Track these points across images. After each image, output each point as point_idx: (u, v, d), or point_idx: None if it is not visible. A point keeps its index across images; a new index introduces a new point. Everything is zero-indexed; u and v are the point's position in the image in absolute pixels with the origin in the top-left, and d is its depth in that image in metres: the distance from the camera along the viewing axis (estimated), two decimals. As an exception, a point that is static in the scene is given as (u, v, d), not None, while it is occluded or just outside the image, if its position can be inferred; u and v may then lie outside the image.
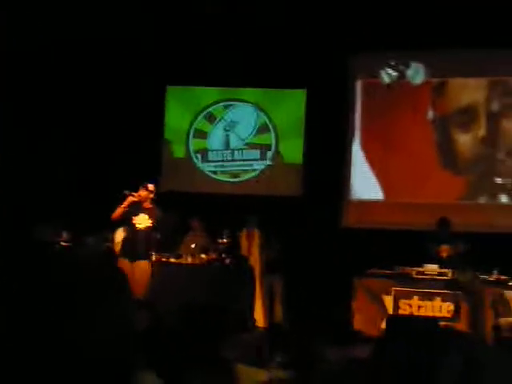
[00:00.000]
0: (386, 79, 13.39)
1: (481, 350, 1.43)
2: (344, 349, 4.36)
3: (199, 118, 14.30)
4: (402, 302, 10.58)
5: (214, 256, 11.27)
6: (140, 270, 9.71)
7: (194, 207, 12.47)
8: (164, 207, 10.13)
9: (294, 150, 13.89)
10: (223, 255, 11.27)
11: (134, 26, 12.88)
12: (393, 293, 10.45)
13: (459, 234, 11.05)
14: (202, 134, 14.30)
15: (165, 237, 10.59)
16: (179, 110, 14.32)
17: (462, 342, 1.43)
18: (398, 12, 12.40)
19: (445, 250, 11.04)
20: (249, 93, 14.22)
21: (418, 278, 10.72)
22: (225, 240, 11.34)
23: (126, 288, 1.26)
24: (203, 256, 11.26)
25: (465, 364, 1.39)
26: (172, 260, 11.18)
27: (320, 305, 10.81)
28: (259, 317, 11.09)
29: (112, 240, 11.13)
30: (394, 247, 11.83)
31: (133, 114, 13.39)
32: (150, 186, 10.01)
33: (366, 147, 13.52)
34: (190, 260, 11.17)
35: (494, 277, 10.75)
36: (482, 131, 12.92)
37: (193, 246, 11.57)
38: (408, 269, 10.89)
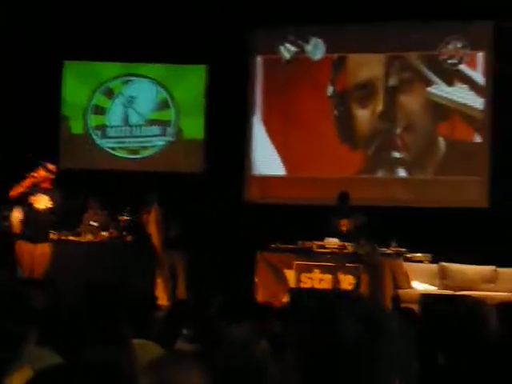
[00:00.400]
0: (286, 55, 13.42)
1: (382, 316, 1.42)
2: (248, 323, 4.34)
3: (97, 93, 14.05)
4: (304, 276, 10.69)
5: (114, 233, 11.14)
6: (41, 252, 9.51)
7: (93, 184, 12.28)
8: (63, 186, 9.91)
9: (195, 126, 13.81)
10: (124, 233, 11.15)
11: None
12: (294, 267, 10.55)
13: (359, 208, 11.20)
14: (100, 110, 14.06)
15: (64, 217, 10.36)
16: (77, 85, 14.02)
17: (363, 308, 1.42)
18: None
19: (345, 224, 11.19)
20: (149, 68, 14.04)
21: (319, 252, 10.86)
22: (125, 217, 11.21)
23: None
24: (103, 233, 11.13)
25: (366, 330, 1.38)
26: (71, 238, 11.01)
27: (223, 280, 10.82)
28: (161, 294, 11.01)
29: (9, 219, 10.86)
30: (297, 222, 11.93)
31: (29, 89, 13.05)
32: (50, 166, 9.72)
33: (266, 123, 13.55)
34: (89, 238, 11.02)
35: (392, 249, 10.96)
36: (380, 106, 13.10)
37: (92, 223, 11.40)
38: (309, 243, 11.01)
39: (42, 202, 9.60)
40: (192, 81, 13.92)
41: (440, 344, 2.97)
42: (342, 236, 11.02)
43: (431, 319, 3.29)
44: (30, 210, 9.58)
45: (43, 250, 9.54)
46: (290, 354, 1.44)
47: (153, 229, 11.30)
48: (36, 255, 9.40)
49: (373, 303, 1.47)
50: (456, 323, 2.99)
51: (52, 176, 9.67)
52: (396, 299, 10.24)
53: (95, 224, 11.33)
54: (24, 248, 9.47)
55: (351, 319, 1.40)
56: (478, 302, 3.37)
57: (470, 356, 2.83)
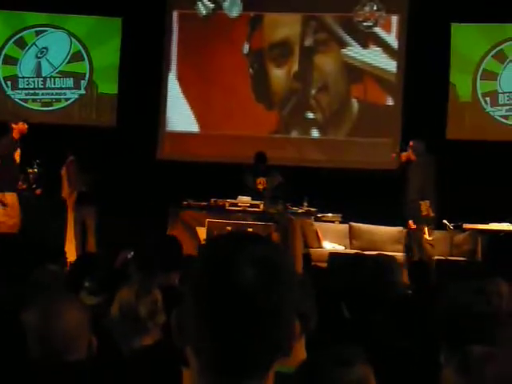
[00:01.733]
0: (203, 10, 13.31)
1: (280, 260, 1.43)
2: (166, 275, 4.38)
3: (9, 43, 13.68)
4: (216, 233, 10.72)
5: (23, 186, 10.93)
6: None
7: (2, 136, 11.99)
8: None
9: (108, 80, 13.61)
10: (34, 185, 10.96)
11: None
12: (206, 224, 10.55)
13: (275, 167, 11.27)
14: (11, 60, 13.69)
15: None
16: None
17: (261, 251, 1.43)
18: None
19: (261, 183, 11.24)
20: (63, 19, 13.72)
21: (231, 210, 10.88)
22: (35, 170, 11.01)
23: None
24: (12, 186, 10.90)
25: (262, 274, 1.39)
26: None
27: (135, 236, 10.74)
28: (71, 249, 10.88)
29: None
30: (210, 179, 11.92)
31: None
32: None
33: (181, 79, 13.45)
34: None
35: (303, 208, 11.07)
36: (295, 66, 13.14)
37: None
38: (222, 201, 11.02)
39: None
40: (107, 34, 13.68)
41: (345, 298, 3.03)
42: (257, 194, 11.07)
43: (338, 275, 3.36)
44: None
45: None
46: (184, 303, 1.44)
47: (64, 182, 11.13)
48: None
49: (273, 246, 1.48)
50: (361, 278, 3.05)
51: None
52: (307, 257, 10.37)
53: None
54: None
55: (247, 263, 1.41)
56: (385, 259, 3.44)
57: (372, 309, 2.90)
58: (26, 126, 10.41)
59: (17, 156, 10.30)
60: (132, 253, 5.06)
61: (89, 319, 2.63)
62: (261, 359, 1.44)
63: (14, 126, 10.39)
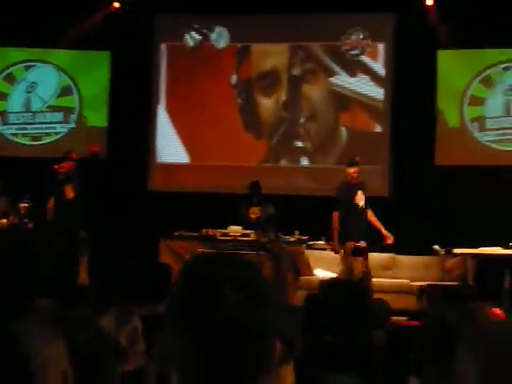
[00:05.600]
0: (190, 42, 13.41)
1: (263, 285, 1.46)
2: (154, 306, 4.40)
3: (-1, 79, 13.77)
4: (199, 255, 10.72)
5: (14, 221, 10.94)
6: None
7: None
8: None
9: (98, 113, 13.67)
10: (25, 220, 10.96)
11: None
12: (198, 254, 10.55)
13: (268, 199, 11.30)
14: (1, 96, 13.77)
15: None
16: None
17: (244, 275, 1.46)
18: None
19: (254, 212, 11.27)
20: (52, 54, 13.80)
21: (222, 240, 10.90)
22: (26, 204, 11.01)
23: None
24: (3, 221, 10.91)
25: (246, 298, 1.42)
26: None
27: (126, 267, 10.73)
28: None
29: None
30: (200, 210, 11.95)
31: None
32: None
33: (170, 110, 13.52)
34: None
35: (295, 237, 11.09)
36: (283, 96, 13.23)
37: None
38: (213, 231, 11.04)
39: None
40: (96, 67, 13.76)
41: (327, 322, 3.07)
42: (249, 224, 11.09)
43: (321, 300, 3.39)
44: None
45: None
46: (167, 324, 1.46)
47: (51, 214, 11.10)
48: None
49: (256, 270, 1.51)
50: (336, 302, 3.09)
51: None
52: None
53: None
54: None
55: (230, 287, 1.43)
56: (356, 282, 3.48)
57: (349, 331, 2.93)
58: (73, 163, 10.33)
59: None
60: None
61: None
62: (244, 378, 1.47)
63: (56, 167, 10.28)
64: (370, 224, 10.34)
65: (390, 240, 10.34)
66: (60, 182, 10.16)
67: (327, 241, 10.94)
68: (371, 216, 10.33)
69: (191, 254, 10.26)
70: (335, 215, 10.21)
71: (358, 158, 10.37)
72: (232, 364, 1.45)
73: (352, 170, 10.28)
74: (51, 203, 11.18)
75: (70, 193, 10.14)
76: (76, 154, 10.29)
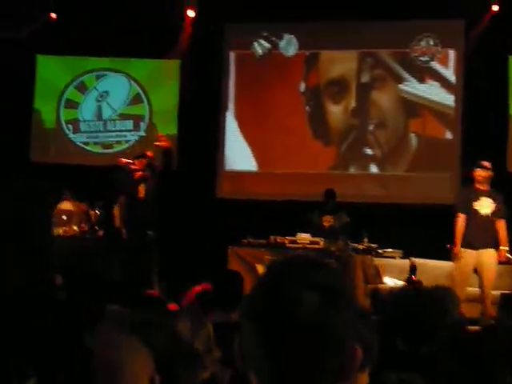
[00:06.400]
0: (259, 50, 13.45)
1: (341, 287, 1.44)
2: (226, 313, 4.40)
3: (70, 87, 13.99)
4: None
5: (86, 228, 11.11)
6: None
7: (65, 178, 12.22)
8: (34, 178, 9.89)
9: (168, 121, 13.80)
10: (96, 227, 11.11)
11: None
12: (266, 262, 10.55)
13: (343, 207, 11.25)
14: (73, 104, 14.00)
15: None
16: (50, 79, 13.96)
17: (320, 276, 1.44)
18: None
19: (327, 220, 11.23)
20: (122, 63, 14.00)
21: (290, 247, 10.87)
22: (97, 212, 11.17)
23: None
24: (75, 228, 11.09)
25: (322, 301, 1.41)
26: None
27: (196, 274, 10.78)
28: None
29: None
30: (269, 217, 11.96)
31: (2, 83, 12.99)
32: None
33: (239, 118, 13.57)
34: (61, 232, 10.97)
35: (364, 245, 11.02)
36: (352, 103, 13.17)
37: (64, 217, 11.35)
38: (281, 238, 11.03)
39: None
40: (166, 76, 13.90)
41: (400, 330, 3.02)
42: (322, 232, 11.06)
43: (395, 307, 3.35)
44: None
45: None
46: (244, 329, 1.45)
47: (117, 221, 11.21)
48: None
49: (334, 272, 1.49)
50: (414, 309, 3.04)
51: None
52: (375, 295, 10.33)
53: (65, 218, 11.27)
54: None
55: (305, 288, 1.42)
56: (439, 290, 3.42)
57: (426, 341, 2.88)
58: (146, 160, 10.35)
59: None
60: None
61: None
62: None
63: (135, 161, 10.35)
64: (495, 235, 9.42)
65: (501, 258, 9.39)
66: (134, 179, 10.20)
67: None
68: (499, 228, 9.40)
69: (269, 261, 10.28)
70: (457, 219, 9.46)
71: (485, 163, 9.43)
72: (310, 370, 1.43)
73: (477, 172, 9.44)
74: (116, 210, 11.29)
75: (142, 191, 10.19)
76: (151, 152, 10.36)
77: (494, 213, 9.35)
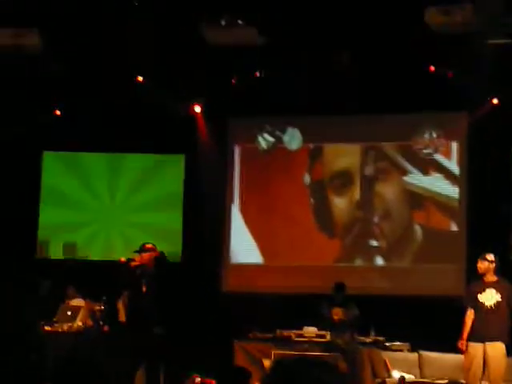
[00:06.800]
0: (263, 144, 13.59)
1: (340, 379, 1.43)
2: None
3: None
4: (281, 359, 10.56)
5: (91, 323, 11.02)
6: None
7: (69, 274, 12.22)
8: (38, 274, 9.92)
9: (173, 215, 13.84)
10: (101, 322, 11.02)
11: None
12: (272, 356, 10.44)
13: (352, 299, 11.18)
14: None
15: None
16: (58, 174, 14.08)
17: (328, 377, 1.43)
18: (273, 78, 12.62)
19: (337, 314, 11.14)
20: (128, 158, 14.11)
21: (297, 341, 10.78)
22: (102, 307, 11.10)
23: None
24: (80, 323, 10.99)
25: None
26: (47, 328, 10.86)
27: (202, 370, 10.67)
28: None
29: None
30: (275, 310, 11.88)
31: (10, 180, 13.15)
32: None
33: (244, 211, 13.61)
34: (65, 328, 10.87)
35: (371, 337, 10.91)
36: (356, 195, 13.23)
37: (69, 313, 11.27)
38: (287, 332, 10.95)
39: None
40: (171, 170, 14.00)
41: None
42: (332, 325, 10.96)
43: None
44: None
45: None
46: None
47: (121, 314, 11.11)
48: None
49: (338, 373, 1.47)
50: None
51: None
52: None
53: (69, 313, 11.19)
54: None
55: None
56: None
57: None
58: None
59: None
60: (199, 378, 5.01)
61: None
62: None
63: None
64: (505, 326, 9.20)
65: None
66: (136, 275, 10.06)
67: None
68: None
69: (273, 359, 10.16)
70: (466, 313, 9.31)
71: (487, 255, 9.30)
72: None
73: (479, 264, 9.32)
74: (120, 304, 11.21)
75: (144, 286, 10.06)
76: (151, 245, 10.21)
77: (498, 303, 9.27)
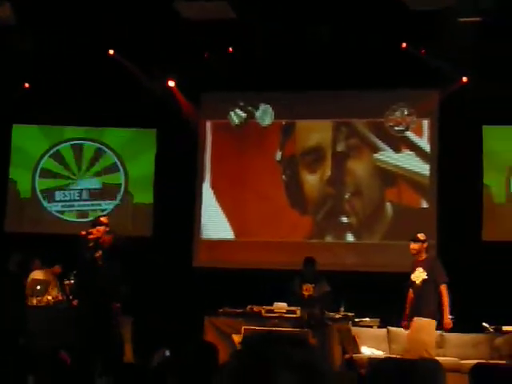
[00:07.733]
0: (235, 120, 13.55)
1: (322, 366, 1.41)
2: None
3: (46, 157, 13.98)
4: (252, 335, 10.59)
5: (60, 297, 10.97)
6: None
7: (39, 248, 12.12)
8: (6, 248, 9.84)
9: (143, 190, 13.79)
10: (70, 297, 10.97)
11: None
12: (242, 331, 10.45)
13: (324, 274, 11.21)
14: (48, 174, 13.97)
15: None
16: (25, 149, 13.96)
17: (301, 355, 1.41)
18: (246, 54, 12.58)
19: (307, 289, 11.17)
20: (98, 132, 14.03)
21: (267, 317, 10.79)
22: (72, 281, 11.04)
23: None
24: (49, 297, 10.94)
25: (302, 380, 1.37)
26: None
27: (171, 345, 10.65)
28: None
29: None
30: (246, 286, 11.89)
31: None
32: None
33: (215, 187, 13.59)
34: (34, 302, 10.82)
35: (340, 314, 10.95)
36: (328, 172, 13.24)
37: (38, 287, 11.21)
38: (258, 307, 10.95)
39: None
40: (142, 145, 13.94)
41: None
42: (302, 301, 10.99)
43: (377, 380, 3.29)
44: None
45: None
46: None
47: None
48: None
49: (311, 349, 1.45)
50: (401, 382, 2.98)
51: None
52: (350, 363, 10.24)
53: (39, 287, 11.13)
54: None
55: (284, 368, 1.38)
56: (427, 362, 3.37)
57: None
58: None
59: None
60: (168, 351, 5.01)
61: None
62: None
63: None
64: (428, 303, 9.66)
65: (448, 326, 9.82)
66: (90, 248, 9.90)
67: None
68: (443, 296, 9.62)
69: (243, 334, 10.17)
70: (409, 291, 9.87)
71: (419, 235, 9.78)
72: None
73: (412, 245, 9.80)
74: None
75: (99, 260, 9.93)
76: (105, 218, 10.11)
77: (425, 280, 9.60)
